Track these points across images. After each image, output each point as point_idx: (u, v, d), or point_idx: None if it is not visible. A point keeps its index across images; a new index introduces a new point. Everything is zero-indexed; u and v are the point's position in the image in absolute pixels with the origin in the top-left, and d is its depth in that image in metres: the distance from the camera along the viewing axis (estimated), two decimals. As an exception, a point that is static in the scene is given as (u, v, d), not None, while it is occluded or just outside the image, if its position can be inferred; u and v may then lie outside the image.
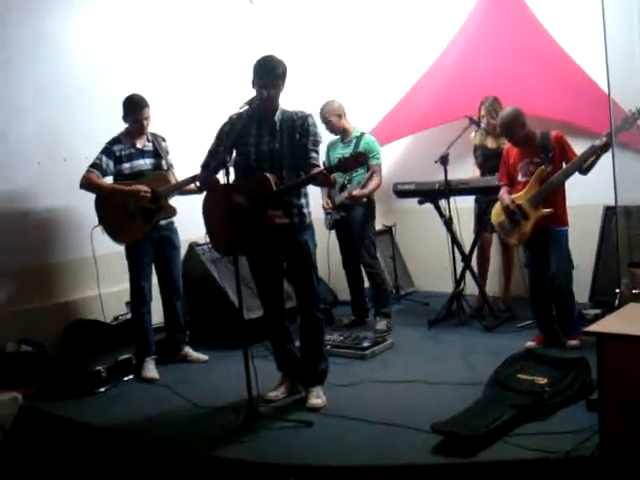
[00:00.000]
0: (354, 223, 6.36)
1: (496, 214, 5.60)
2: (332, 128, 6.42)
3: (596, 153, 4.99)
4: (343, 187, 6.28)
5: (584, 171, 5.12)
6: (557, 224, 5.31)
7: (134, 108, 5.45)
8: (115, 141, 5.49)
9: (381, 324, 6.36)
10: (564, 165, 5.26)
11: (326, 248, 6.54)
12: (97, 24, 6.28)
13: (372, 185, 6.29)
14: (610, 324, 2.95)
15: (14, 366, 5.31)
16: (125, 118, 5.50)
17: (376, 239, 6.66)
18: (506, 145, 5.66)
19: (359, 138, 6.38)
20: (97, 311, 5.94)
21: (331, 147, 6.54)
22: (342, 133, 6.47)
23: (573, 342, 5.26)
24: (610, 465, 2.78)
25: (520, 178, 5.43)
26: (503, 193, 5.52)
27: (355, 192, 6.20)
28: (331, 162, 5.93)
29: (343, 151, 6.10)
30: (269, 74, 4.41)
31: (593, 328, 2.91)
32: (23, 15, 5.75)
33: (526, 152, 5.39)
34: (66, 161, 5.93)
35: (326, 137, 6.33)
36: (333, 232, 6.59)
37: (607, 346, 2.76)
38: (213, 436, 4.12)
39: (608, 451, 2.80)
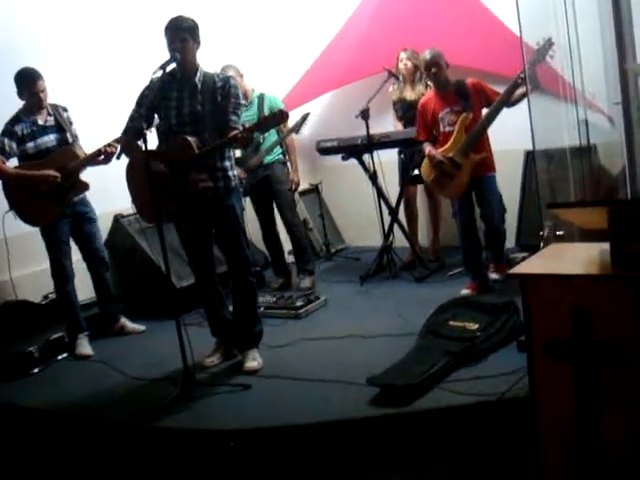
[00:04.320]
0: (276, 181, 6.31)
1: (426, 172, 5.59)
2: None
3: (517, 83, 5.00)
4: (258, 146, 6.21)
5: (511, 104, 5.15)
6: (487, 171, 5.39)
7: (27, 82, 5.21)
8: (15, 120, 5.25)
9: (305, 282, 6.37)
10: (485, 111, 5.31)
11: (251, 212, 6.51)
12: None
13: (293, 153, 6.43)
14: (533, 265, 2.99)
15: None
16: (20, 95, 5.26)
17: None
18: (422, 99, 5.69)
19: (261, 98, 6.30)
20: (28, 291, 5.80)
21: None
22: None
23: (496, 275, 5.43)
24: (539, 403, 2.84)
25: (443, 129, 5.45)
26: (430, 150, 5.49)
27: (295, 179, 6.42)
28: None
29: (247, 113, 5.91)
30: (175, 29, 4.33)
31: (516, 270, 2.95)
32: None
33: (444, 101, 5.42)
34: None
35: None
36: None
37: (531, 286, 2.79)
38: (151, 408, 4.08)
39: (538, 390, 2.86)
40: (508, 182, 5.96)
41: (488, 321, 4.42)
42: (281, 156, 6.37)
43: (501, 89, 5.28)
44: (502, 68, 5.96)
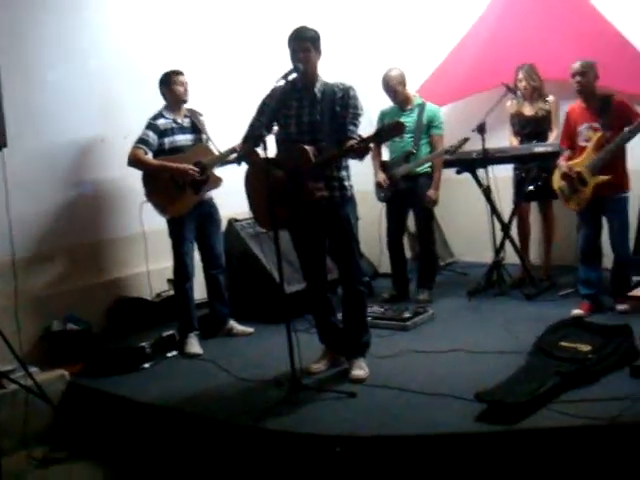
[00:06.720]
0: (420, 194, 6.32)
1: (557, 179, 5.56)
2: (395, 97, 6.34)
3: None
4: (409, 156, 6.27)
5: None
6: (617, 191, 5.27)
7: (167, 78, 5.56)
8: (158, 116, 5.55)
9: (423, 294, 6.39)
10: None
11: (378, 221, 6.69)
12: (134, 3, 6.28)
13: (439, 171, 6.37)
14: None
15: (60, 344, 5.41)
16: (162, 94, 5.59)
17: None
18: (568, 107, 5.60)
19: (421, 106, 6.34)
20: (143, 288, 6.05)
21: (386, 114, 6.41)
22: (402, 102, 6.38)
23: (622, 306, 5.20)
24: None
25: (580, 142, 5.40)
26: (562, 160, 5.51)
27: (433, 197, 6.31)
28: None
29: (406, 119, 5.94)
30: (298, 39, 4.44)
31: (637, 292, 2.90)
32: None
33: (586, 115, 5.36)
34: (103, 141, 6.00)
35: (379, 104, 6.48)
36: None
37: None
38: (257, 409, 4.15)
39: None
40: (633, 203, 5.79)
41: (601, 343, 4.33)
42: (429, 170, 6.34)
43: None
44: (624, 84, 5.84)
